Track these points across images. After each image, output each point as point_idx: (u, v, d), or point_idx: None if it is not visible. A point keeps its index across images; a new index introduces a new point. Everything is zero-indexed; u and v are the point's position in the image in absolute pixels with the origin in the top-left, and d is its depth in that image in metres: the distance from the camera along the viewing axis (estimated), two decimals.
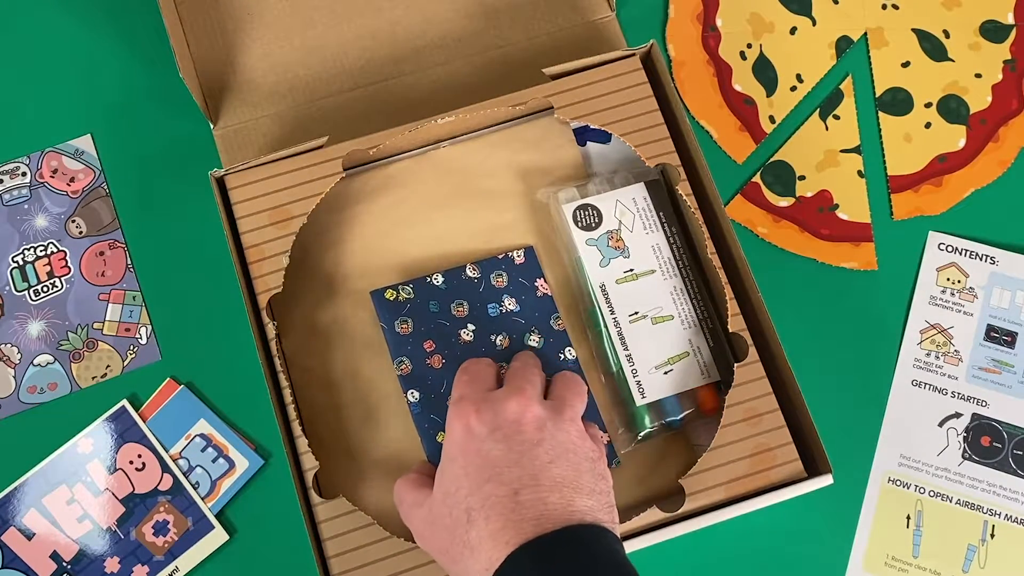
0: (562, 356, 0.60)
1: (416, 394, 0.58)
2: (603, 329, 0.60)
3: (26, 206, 0.69)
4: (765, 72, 0.73)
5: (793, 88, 0.72)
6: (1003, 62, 0.73)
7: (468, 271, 0.61)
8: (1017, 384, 0.66)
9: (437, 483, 0.51)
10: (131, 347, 0.66)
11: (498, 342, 0.59)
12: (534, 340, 0.59)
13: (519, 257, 0.61)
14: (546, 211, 0.64)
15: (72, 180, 0.70)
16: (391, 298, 0.60)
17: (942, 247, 0.69)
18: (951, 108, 0.72)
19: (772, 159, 0.71)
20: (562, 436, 0.50)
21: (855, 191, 0.70)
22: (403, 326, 0.59)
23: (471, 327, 0.59)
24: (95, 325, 0.67)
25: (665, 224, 0.63)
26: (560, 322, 0.60)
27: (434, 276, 0.61)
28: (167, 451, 0.64)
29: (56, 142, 0.71)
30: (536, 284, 0.61)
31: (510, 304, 0.60)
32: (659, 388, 0.59)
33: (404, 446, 0.60)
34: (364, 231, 0.65)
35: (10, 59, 0.73)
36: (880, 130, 0.72)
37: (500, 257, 0.61)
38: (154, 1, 0.65)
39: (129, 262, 0.68)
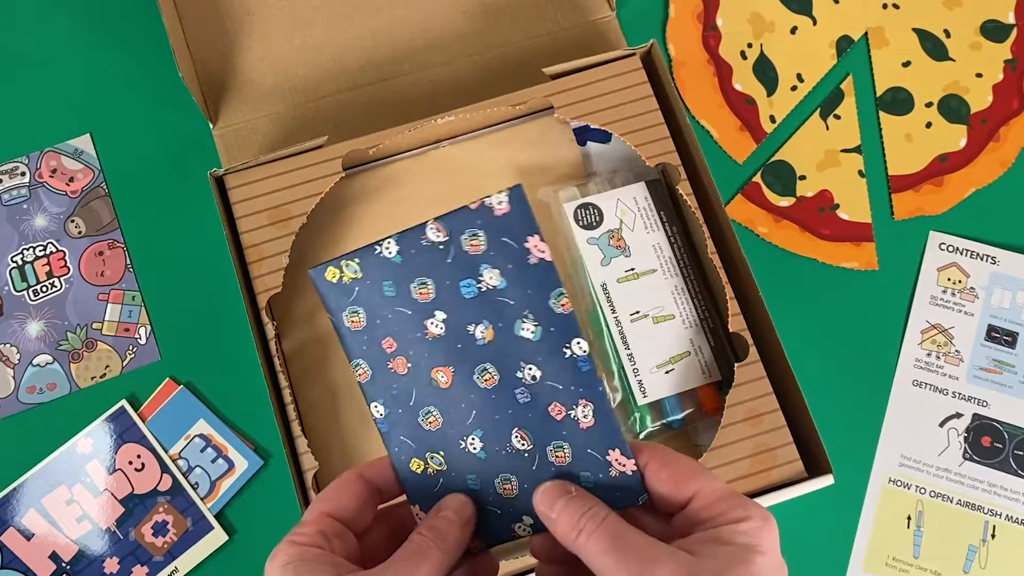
0: (568, 352, 0.41)
1: (381, 408, 0.43)
2: (604, 328, 0.60)
3: (25, 206, 0.69)
4: (765, 72, 0.73)
5: (794, 88, 0.72)
6: (1004, 62, 0.73)
7: (430, 233, 0.42)
8: (1018, 384, 0.66)
9: None
10: (130, 347, 0.66)
11: (479, 335, 0.42)
12: (527, 329, 0.41)
13: (500, 205, 0.41)
14: (546, 210, 0.64)
15: (71, 180, 0.70)
16: (334, 279, 0.43)
17: (943, 247, 0.68)
18: (952, 108, 0.72)
19: (773, 159, 0.71)
20: None
21: (856, 191, 0.70)
22: (354, 319, 0.43)
23: (440, 315, 0.42)
24: (94, 325, 0.67)
25: (666, 223, 0.63)
26: (564, 301, 0.41)
27: (385, 244, 0.43)
28: (166, 451, 0.64)
29: (55, 142, 0.70)
30: (527, 245, 0.41)
31: (491, 278, 0.42)
32: (660, 387, 0.59)
33: None
34: (364, 231, 0.65)
35: (10, 59, 0.73)
36: (881, 130, 0.72)
37: (473, 208, 0.41)
38: (154, 1, 0.65)
39: (128, 262, 0.68)
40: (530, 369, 0.41)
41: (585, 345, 0.41)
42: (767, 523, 0.36)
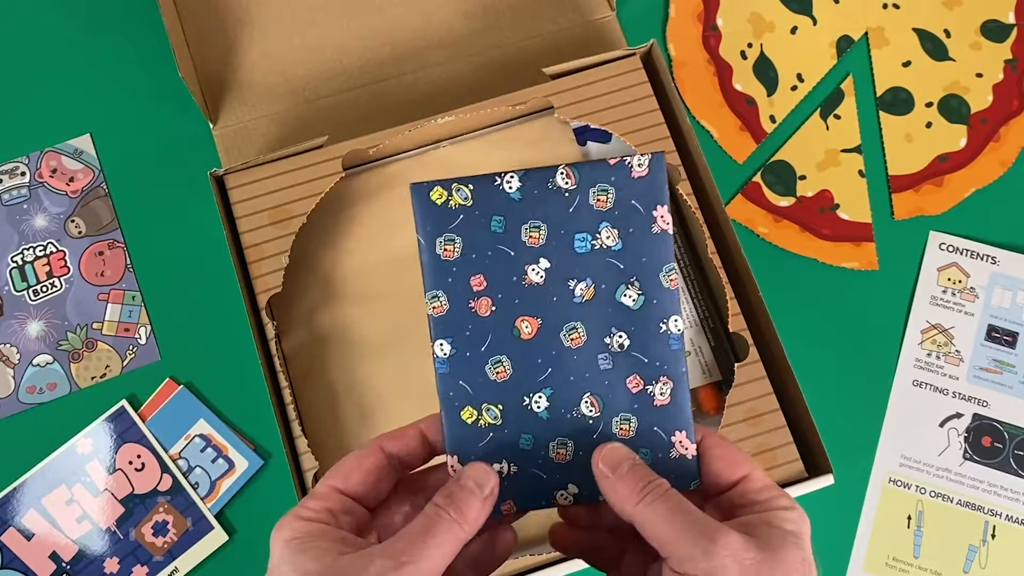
0: (663, 327, 0.41)
1: (447, 347, 0.40)
2: None
3: (25, 206, 0.69)
4: (766, 72, 0.73)
5: (794, 88, 0.72)
6: (1004, 62, 0.73)
7: (559, 178, 0.41)
8: (1018, 384, 0.66)
9: None
10: (130, 347, 0.66)
11: (579, 292, 0.41)
12: (630, 297, 0.41)
13: (640, 168, 0.41)
14: None
15: (71, 180, 0.70)
16: (439, 200, 0.41)
17: (943, 247, 0.68)
18: (952, 108, 0.72)
19: (773, 159, 0.71)
20: None
21: (856, 191, 0.70)
22: (448, 247, 0.41)
23: (544, 263, 0.41)
24: (94, 325, 0.67)
25: None
26: (673, 277, 0.41)
27: (507, 178, 0.41)
28: (166, 451, 0.64)
29: (55, 142, 0.70)
30: (654, 213, 0.41)
31: (608, 238, 0.41)
32: None
33: None
34: (364, 231, 0.65)
35: (10, 59, 0.73)
36: (881, 130, 0.72)
37: (612, 163, 0.41)
38: (154, 1, 0.65)
39: (128, 262, 0.68)
40: (620, 337, 0.41)
41: (681, 324, 0.41)
42: (806, 519, 0.36)
